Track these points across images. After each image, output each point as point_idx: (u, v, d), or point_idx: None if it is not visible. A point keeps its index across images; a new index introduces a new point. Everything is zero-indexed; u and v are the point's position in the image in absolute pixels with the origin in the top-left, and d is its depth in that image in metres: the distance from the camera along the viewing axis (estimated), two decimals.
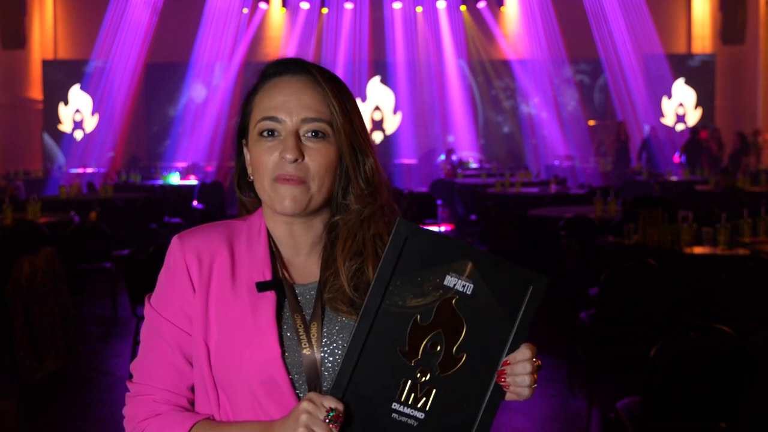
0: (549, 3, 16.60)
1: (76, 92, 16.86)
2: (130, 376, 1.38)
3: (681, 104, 17.01)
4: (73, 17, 17.44)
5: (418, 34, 17.45)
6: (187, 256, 1.35)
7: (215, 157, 16.58)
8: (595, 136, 17.29)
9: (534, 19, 16.83)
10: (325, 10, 17.21)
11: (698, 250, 4.99)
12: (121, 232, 8.80)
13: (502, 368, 1.23)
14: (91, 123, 16.83)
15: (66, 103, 16.89)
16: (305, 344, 1.29)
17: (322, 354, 1.30)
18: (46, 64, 17.02)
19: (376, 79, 17.31)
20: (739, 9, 16.41)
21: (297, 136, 1.32)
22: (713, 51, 17.05)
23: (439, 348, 1.21)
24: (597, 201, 7.21)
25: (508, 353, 1.23)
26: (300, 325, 1.31)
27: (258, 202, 1.42)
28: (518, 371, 1.22)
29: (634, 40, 16.35)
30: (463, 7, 17.35)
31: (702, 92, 16.95)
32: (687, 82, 16.90)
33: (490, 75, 17.66)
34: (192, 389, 1.36)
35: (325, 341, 1.30)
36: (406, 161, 16.96)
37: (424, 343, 1.21)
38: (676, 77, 16.85)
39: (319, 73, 1.34)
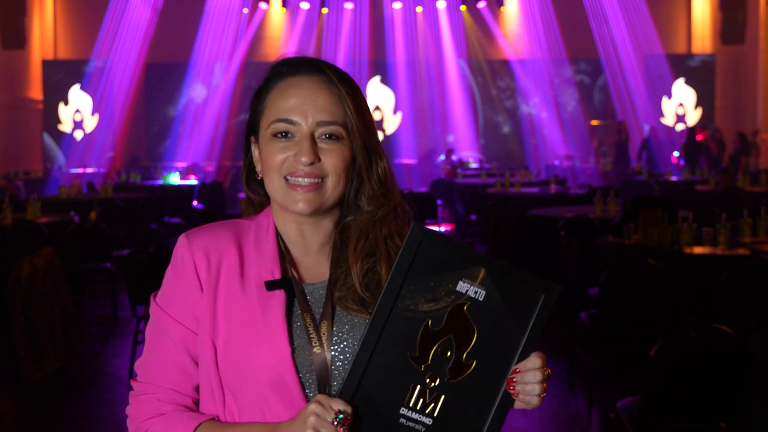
0: (549, 3, 16.60)
1: (76, 92, 16.86)
2: (135, 375, 1.38)
3: (681, 104, 17.01)
4: (73, 17, 17.44)
5: (418, 34, 17.45)
6: (195, 254, 1.34)
7: (215, 157, 16.58)
8: (595, 136, 17.30)
9: (534, 19, 16.83)
10: (325, 10, 17.21)
11: (698, 250, 4.99)
12: (121, 232, 8.80)
13: (512, 376, 1.23)
14: (91, 123, 16.83)
15: (66, 103, 16.89)
16: (315, 343, 1.28)
17: (333, 353, 1.29)
18: (46, 64, 17.02)
19: (376, 79, 17.31)
20: (739, 9, 16.41)
21: (312, 139, 1.31)
22: (713, 51, 17.05)
23: (449, 354, 1.21)
24: (597, 201, 7.21)
25: (518, 361, 1.23)
26: (310, 324, 1.30)
27: (266, 200, 1.41)
28: (528, 379, 1.22)
29: (634, 40, 16.35)
30: (463, 7, 17.35)
31: (702, 92, 16.95)
32: (687, 82, 16.90)
33: (490, 75, 17.66)
34: (197, 389, 1.35)
35: (336, 340, 1.30)
36: (406, 161, 16.96)
37: (435, 348, 1.20)
38: (676, 77, 16.85)
39: (333, 74, 1.33)
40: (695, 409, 2.93)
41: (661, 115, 16.92)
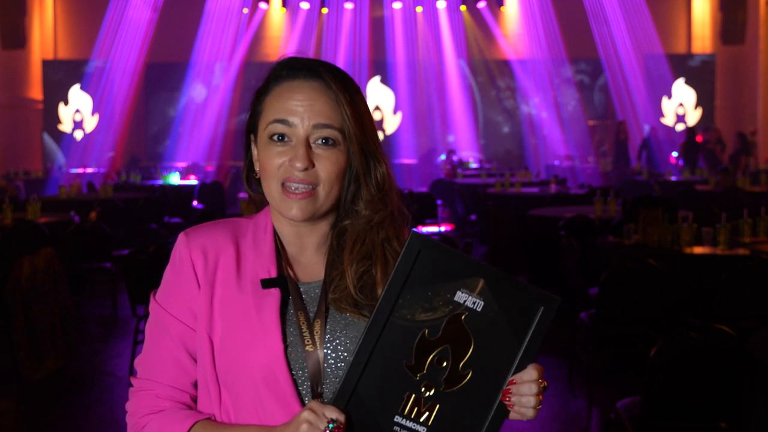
0: (549, 3, 16.60)
1: (76, 92, 16.85)
2: (134, 372, 1.39)
3: (681, 104, 17.01)
4: (73, 17, 17.44)
5: (418, 34, 17.45)
6: (193, 252, 1.36)
7: (215, 157, 16.58)
8: (595, 136, 17.29)
9: (534, 19, 16.83)
10: (325, 10, 17.21)
11: (698, 250, 4.99)
12: (121, 232, 8.80)
13: (508, 387, 1.22)
14: (91, 123, 16.83)
15: (66, 103, 16.89)
16: (308, 341, 1.30)
17: (326, 351, 1.30)
18: (46, 64, 17.02)
19: (376, 79, 17.31)
20: (739, 9, 16.40)
21: (307, 144, 1.32)
22: (713, 51, 17.05)
23: (445, 363, 1.20)
24: (597, 201, 7.21)
25: (515, 373, 1.23)
26: (303, 323, 1.31)
27: (266, 199, 1.42)
28: (524, 391, 1.22)
29: (634, 40, 16.35)
30: (463, 7, 17.35)
31: (702, 92, 16.95)
32: (687, 82, 16.90)
33: (490, 75, 17.66)
34: (195, 386, 1.36)
35: (329, 338, 1.31)
36: (406, 161, 16.96)
37: (431, 357, 1.20)
38: (676, 77, 16.85)
39: (331, 79, 1.34)
40: (695, 409, 2.93)
41: (661, 115, 16.91)
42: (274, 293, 1.32)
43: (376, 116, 17.24)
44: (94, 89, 16.67)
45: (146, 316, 1.43)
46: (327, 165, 1.32)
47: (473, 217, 10.22)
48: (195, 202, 11.38)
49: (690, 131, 14.05)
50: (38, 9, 16.75)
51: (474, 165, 15.80)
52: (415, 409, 1.20)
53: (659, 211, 5.18)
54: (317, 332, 1.31)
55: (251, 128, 1.41)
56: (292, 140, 1.33)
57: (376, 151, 1.37)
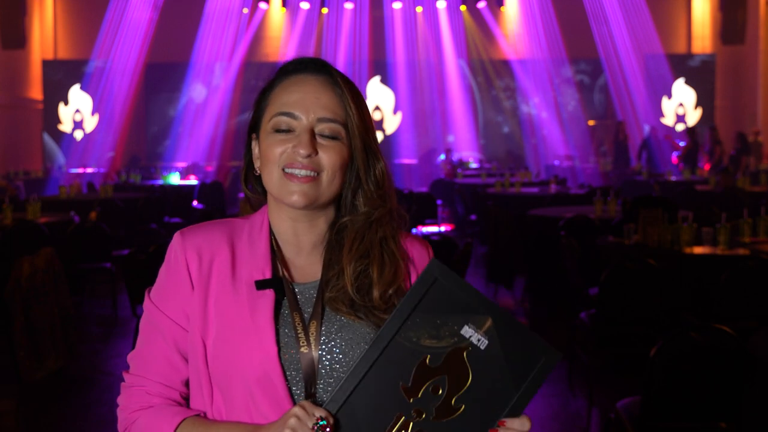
0: (549, 3, 16.60)
1: (76, 92, 16.85)
2: (128, 367, 1.40)
3: (681, 104, 17.01)
4: (73, 17, 17.44)
5: (418, 34, 17.45)
6: (187, 253, 1.36)
7: (215, 157, 16.58)
8: (595, 136, 17.29)
9: (534, 19, 16.83)
10: (325, 10, 17.21)
11: (698, 250, 4.99)
12: (121, 232, 8.80)
13: (497, 428, 1.23)
14: (91, 123, 16.83)
15: (66, 103, 16.89)
16: (303, 342, 1.30)
17: (320, 353, 1.30)
18: (46, 64, 17.02)
19: (376, 79, 17.31)
20: (739, 9, 16.40)
21: (312, 133, 1.33)
22: (713, 51, 17.05)
23: (440, 392, 1.21)
24: (597, 201, 7.21)
25: (506, 417, 1.23)
26: (298, 324, 1.31)
27: (263, 199, 1.42)
28: None
29: (634, 40, 16.35)
30: (463, 7, 17.35)
31: (702, 92, 16.95)
32: (687, 82, 16.90)
33: (490, 75, 17.66)
34: (186, 384, 1.37)
35: (324, 340, 1.31)
36: (406, 161, 16.96)
37: (428, 384, 1.21)
38: (676, 77, 16.85)
39: (338, 75, 1.36)
40: (695, 409, 2.93)
41: (661, 115, 16.91)
42: (269, 294, 1.32)
43: (376, 116, 17.24)
44: (94, 89, 16.68)
45: None
46: (331, 154, 1.33)
47: (473, 217, 10.22)
48: (195, 202, 11.38)
49: (690, 131, 14.05)
50: (38, 9, 16.75)
51: (474, 165, 15.80)
52: (402, 431, 1.21)
53: (659, 211, 5.18)
54: (313, 333, 1.31)
55: (254, 126, 1.41)
56: (296, 131, 1.33)
57: (376, 149, 1.38)
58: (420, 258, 1.43)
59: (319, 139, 1.33)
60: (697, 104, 16.98)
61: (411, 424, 1.21)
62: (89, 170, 15.59)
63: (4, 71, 15.75)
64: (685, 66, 16.97)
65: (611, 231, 5.80)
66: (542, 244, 6.94)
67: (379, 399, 1.21)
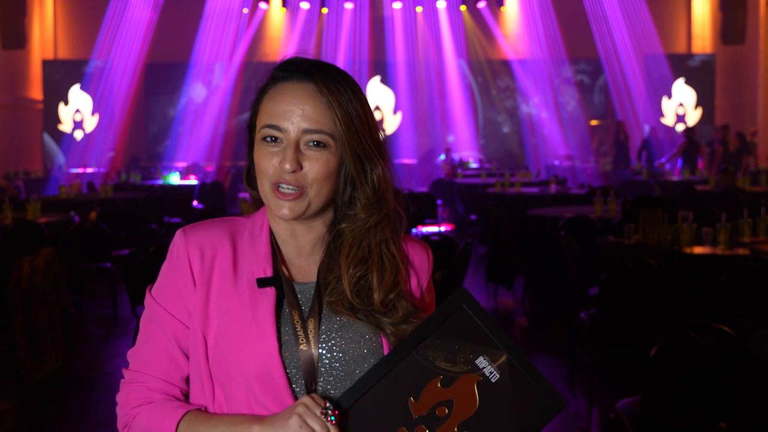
0: (549, 3, 16.60)
1: (76, 92, 16.85)
2: (127, 364, 1.41)
3: (681, 104, 17.00)
4: (73, 17, 17.44)
5: (418, 34, 17.45)
6: (190, 250, 1.37)
7: (215, 157, 16.58)
8: (595, 136, 17.29)
9: (534, 19, 16.83)
10: (325, 10, 17.21)
11: (698, 250, 4.99)
12: (121, 232, 8.80)
13: None
14: (91, 123, 16.83)
15: (66, 103, 16.89)
16: (302, 340, 1.31)
17: (320, 350, 1.32)
18: (46, 64, 17.01)
19: (376, 79, 17.31)
20: (739, 9, 16.40)
21: (297, 147, 1.33)
22: (713, 51, 17.05)
23: (445, 414, 1.23)
24: (597, 201, 7.21)
25: None
26: (298, 322, 1.33)
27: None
28: None
29: (634, 40, 16.35)
30: (463, 7, 17.34)
31: (702, 92, 16.95)
32: (687, 82, 16.90)
33: (490, 75, 17.66)
34: (186, 380, 1.38)
35: (324, 338, 1.33)
36: (406, 161, 16.96)
37: (435, 404, 1.23)
38: (676, 77, 16.84)
39: (324, 82, 1.34)
40: (695, 409, 2.93)
41: (661, 115, 16.91)
42: (270, 292, 1.33)
43: (376, 116, 17.19)
44: (94, 89, 16.67)
45: None
46: (316, 166, 1.33)
47: (473, 217, 10.22)
48: (195, 202, 11.38)
49: (689, 131, 14.04)
50: (38, 9, 16.75)
51: (474, 165, 15.79)
52: None
53: (659, 211, 5.18)
54: (311, 331, 1.32)
55: (253, 126, 1.42)
56: (283, 142, 1.34)
57: (372, 154, 1.37)
58: (420, 261, 1.44)
59: (305, 150, 1.33)
60: (697, 104, 16.97)
61: None
62: (89, 170, 15.58)
63: (4, 71, 15.75)
64: (685, 66, 16.97)
65: (611, 231, 5.80)
66: (542, 244, 6.94)
67: (386, 410, 1.23)
